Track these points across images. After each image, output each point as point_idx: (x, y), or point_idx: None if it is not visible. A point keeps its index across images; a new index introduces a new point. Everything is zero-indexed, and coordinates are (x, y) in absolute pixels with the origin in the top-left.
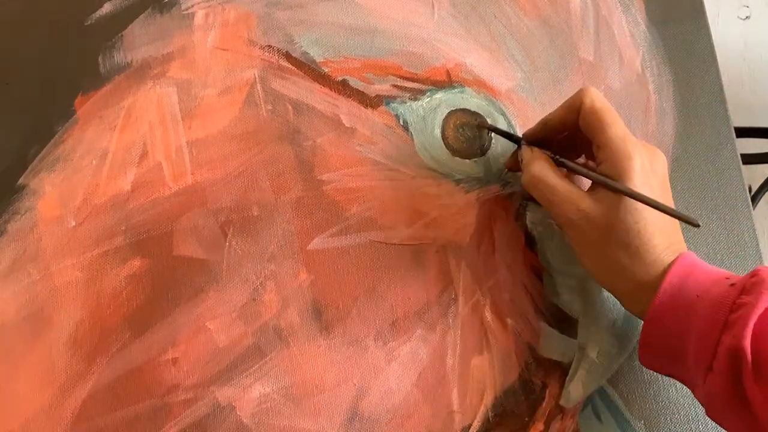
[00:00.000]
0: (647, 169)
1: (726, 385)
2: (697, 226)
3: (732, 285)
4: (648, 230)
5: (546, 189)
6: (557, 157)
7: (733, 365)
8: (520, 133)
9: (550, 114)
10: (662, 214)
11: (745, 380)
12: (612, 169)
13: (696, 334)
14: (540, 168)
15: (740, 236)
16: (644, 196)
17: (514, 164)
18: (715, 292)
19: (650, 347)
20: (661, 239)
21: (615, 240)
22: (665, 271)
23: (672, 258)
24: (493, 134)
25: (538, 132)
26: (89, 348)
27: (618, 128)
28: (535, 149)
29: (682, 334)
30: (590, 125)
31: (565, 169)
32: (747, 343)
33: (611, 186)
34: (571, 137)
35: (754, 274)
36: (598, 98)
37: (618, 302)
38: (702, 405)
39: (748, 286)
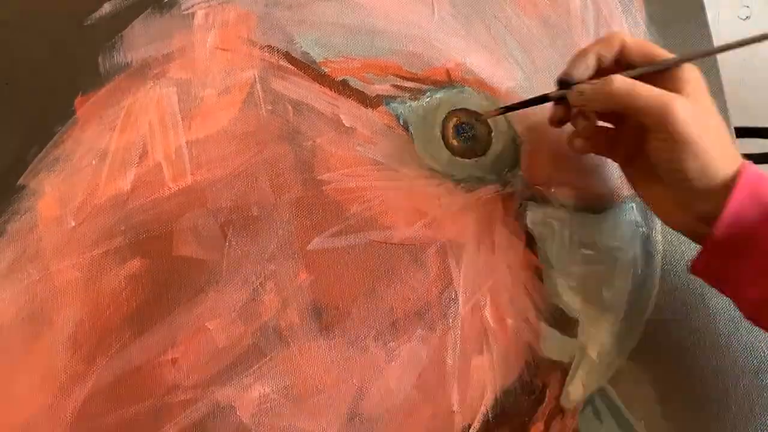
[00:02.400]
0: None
1: None
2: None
3: None
4: (723, 123)
5: (639, 89)
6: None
7: None
8: (519, 134)
9: (581, 51)
10: (718, 115)
11: None
12: (680, 73)
13: None
14: (622, 77)
15: None
16: (721, 46)
17: (562, 113)
18: None
19: (714, 252)
20: (729, 137)
21: (706, 128)
22: (736, 174)
23: (736, 163)
24: (493, 134)
25: (575, 70)
26: (89, 348)
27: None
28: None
29: (756, 230)
30: (642, 51)
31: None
32: None
33: (691, 55)
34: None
35: None
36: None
37: (618, 302)
38: (746, 311)
39: None
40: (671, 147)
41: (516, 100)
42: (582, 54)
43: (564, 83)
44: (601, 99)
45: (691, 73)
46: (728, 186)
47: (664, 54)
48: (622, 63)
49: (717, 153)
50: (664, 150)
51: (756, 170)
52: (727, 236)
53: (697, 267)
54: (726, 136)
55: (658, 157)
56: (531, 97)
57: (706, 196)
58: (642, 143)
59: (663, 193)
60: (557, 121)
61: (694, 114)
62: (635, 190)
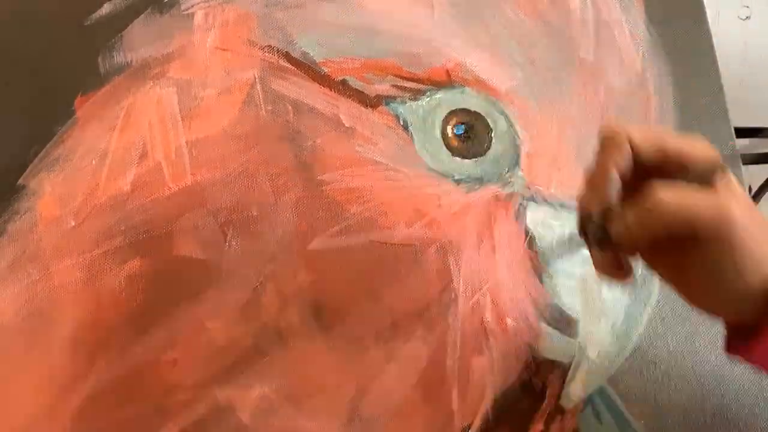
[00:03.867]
0: None
1: None
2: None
3: None
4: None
5: (689, 199)
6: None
7: None
8: (519, 134)
9: (595, 173)
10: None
11: None
12: (698, 157)
13: None
14: (662, 191)
15: None
16: None
17: (611, 259)
18: None
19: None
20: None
21: (758, 229)
22: None
23: None
24: (492, 135)
25: (597, 197)
26: (89, 348)
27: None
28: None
29: None
30: (654, 146)
31: None
32: None
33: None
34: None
35: None
36: (639, 128)
37: (618, 302)
38: None
39: None
40: (730, 257)
41: (516, 101)
42: (599, 175)
43: (586, 220)
44: (650, 223)
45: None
46: None
47: (674, 141)
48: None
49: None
50: (722, 262)
51: None
52: None
53: (752, 361)
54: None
55: (715, 269)
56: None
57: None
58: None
59: (698, 285)
60: (614, 268)
61: (748, 215)
62: (656, 275)
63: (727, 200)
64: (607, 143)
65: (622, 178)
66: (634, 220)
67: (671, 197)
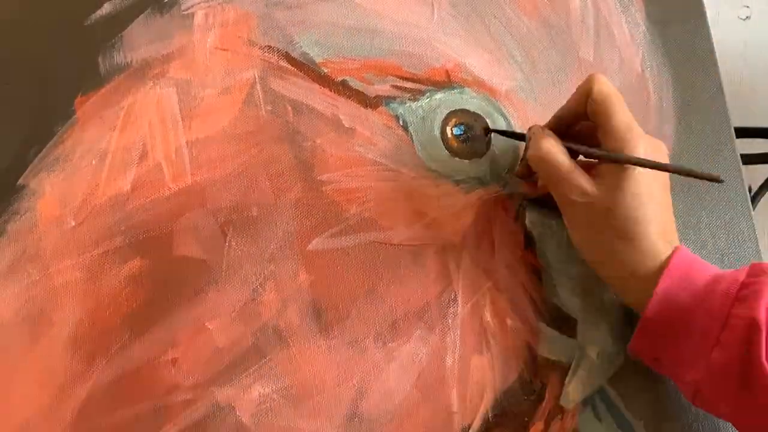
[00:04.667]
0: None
1: (732, 358)
2: (720, 182)
3: (736, 270)
4: (647, 218)
5: (552, 166)
6: (564, 142)
7: (745, 336)
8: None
9: (562, 106)
10: (660, 203)
11: (757, 350)
12: (625, 149)
13: (704, 310)
14: (549, 145)
15: (740, 236)
16: (653, 162)
17: (526, 171)
18: (722, 275)
19: (647, 331)
20: (657, 229)
21: (613, 224)
22: (668, 259)
23: (668, 249)
24: (492, 135)
25: (552, 125)
26: (89, 348)
27: (624, 116)
28: (545, 129)
29: (688, 312)
30: (597, 111)
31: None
32: (762, 315)
33: (616, 158)
34: (581, 133)
35: (754, 265)
36: (605, 84)
37: (617, 303)
38: (687, 393)
39: (755, 271)
40: (577, 234)
41: (516, 101)
42: (558, 110)
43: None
44: (530, 159)
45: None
46: (660, 270)
47: (616, 121)
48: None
49: (627, 249)
50: (573, 235)
51: (687, 254)
52: (660, 318)
53: (633, 348)
54: (651, 228)
55: (572, 239)
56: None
57: (639, 282)
58: None
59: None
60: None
61: (597, 206)
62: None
63: (578, 189)
64: (582, 83)
65: (578, 116)
66: (530, 155)
67: (541, 150)
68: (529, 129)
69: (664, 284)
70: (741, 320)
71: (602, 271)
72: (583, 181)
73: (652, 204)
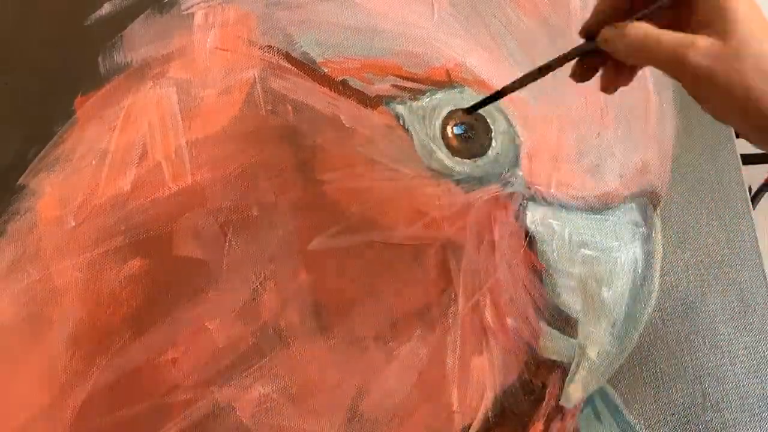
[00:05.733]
0: None
1: None
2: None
3: None
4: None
5: (651, 41)
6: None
7: None
8: (518, 134)
9: (598, 3)
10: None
11: None
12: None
13: None
14: (636, 25)
15: (740, 236)
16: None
17: (582, 71)
18: None
19: None
20: None
21: (742, 69)
22: None
23: None
24: (493, 136)
25: (594, 22)
26: (89, 348)
27: None
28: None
29: None
30: None
31: None
32: None
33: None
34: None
35: None
36: None
37: (618, 302)
38: None
39: None
40: (707, 99)
41: (516, 100)
42: (596, 7)
43: (589, 36)
44: (620, 51)
45: None
46: None
47: None
48: None
49: (764, 92)
50: (703, 102)
51: None
52: None
53: None
54: None
55: (702, 106)
56: (498, 91)
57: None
58: None
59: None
60: (579, 77)
61: (719, 55)
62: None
63: (690, 45)
64: None
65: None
66: (611, 38)
67: (641, 37)
68: (599, 35)
69: None
70: None
71: (750, 120)
72: (694, 38)
73: (751, 37)
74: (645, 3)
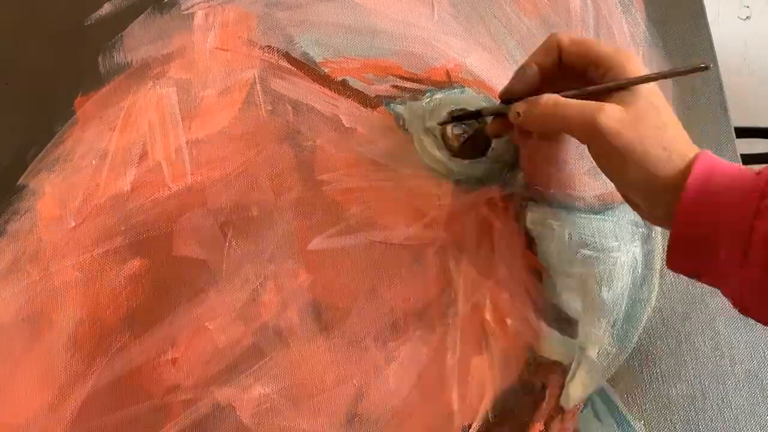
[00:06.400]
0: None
1: (763, 274)
2: (707, 68)
3: (758, 173)
4: (671, 120)
5: (562, 108)
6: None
7: None
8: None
9: (522, 66)
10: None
11: None
12: (621, 70)
13: (727, 225)
14: (548, 96)
15: None
16: (659, 73)
17: (499, 128)
18: (743, 182)
19: (680, 246)
20: (678, 132)
21: (643, 133)
22: (690, 164)
23: (692, 152)
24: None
25: (516, 86)
26: (89, 348)
27: (604, 44)
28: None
29: (713, 227)
30: (579, 52)
31: None
32: None
33: (631, 81)
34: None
35: None
36: (572, 34)
37: (618, 302)
38: (734, 302)
39: None
40: (609, 160)
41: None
42: (521, 68)
43: (506, 100)
44: (533, 120)
45: (627, 70)
46: (678, 187)
47: (601, 51)
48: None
49: (659, 156)
50: (604, 164)
51: (708, 161)
52: (689, 235)
53: (670, 265)
54: (673, 132)
55: (603, 170)
56: (474, 109)
57: (657, 201)
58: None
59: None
60: (494, 135)
61: (623, 120)
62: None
63: (599, 109)
64: (541, 46)
65: (544, 74)
66: (523, 111)
67: (548, 102)
68: (510, 107)
69: (685, 200)
70: (764, 238)
71: (635, 192)
72: (600, 105)
73: (652, 114)
74: (554, 87)
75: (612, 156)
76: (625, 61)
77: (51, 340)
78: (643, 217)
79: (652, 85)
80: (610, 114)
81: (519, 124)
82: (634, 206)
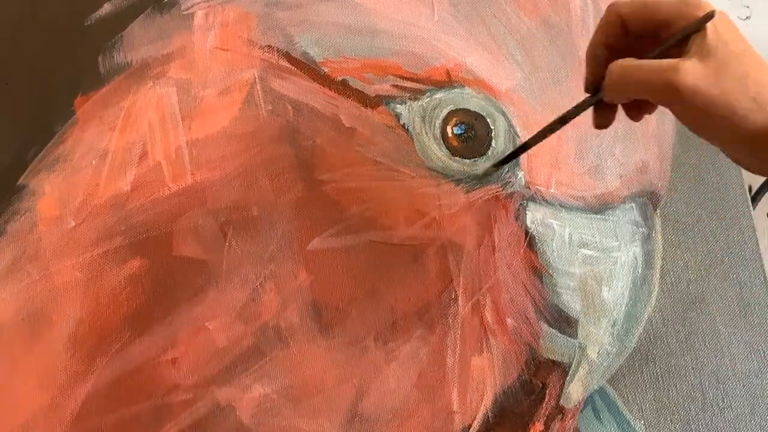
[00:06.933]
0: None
1: None
2: (712, 15)
3: None
4: (755, 64)
5: (631, 72)
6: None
7: None
8: (519, 134)
9: (589, 48)
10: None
11: None
12: (691, 20)
13: None
14: (612, 63)
15: (740, 236)
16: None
17: (601, 118)
18: None
19: None
20: (764, 77)
21: (726, 87)
22: None
23: None
24: (493, 136)
25: (593, 72)
26: (89, 348)
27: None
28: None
29: None
30: (643, 15)
31: None
32: None
33: (699, 21)
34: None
35: None
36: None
37: (618, 302)
38: None
39: None
40: (694, 121)
41: (516, 100)
42: (590, 52)
43: (593, 90)
44: (611, 93)
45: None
46: None
47: (663, 5)
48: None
49: (749, 108)
50: (692, 126)
51: None
52: None
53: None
54: (757, 77)
55: (695, 132)
56: (551, 122)
57: (763, 155)
58: None
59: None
60: (601, 127)
61: (703, 75)
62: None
63: (676, 67)
64: (599, 23)
65: (613, 48)
66: (613, 78)
67: (617, 70)
68: (599, 86)
69: None
70: None
71: (729, 147)
72: (677, 62)
73: (733, 59)
74: (629, 47)
75: (697, 117)
76: (695, 9)
77: (51, 340)
78: (755, 172)
79: (731, 27)
80: (688, 70)
81: (611, 102)
82: (742, 165)
